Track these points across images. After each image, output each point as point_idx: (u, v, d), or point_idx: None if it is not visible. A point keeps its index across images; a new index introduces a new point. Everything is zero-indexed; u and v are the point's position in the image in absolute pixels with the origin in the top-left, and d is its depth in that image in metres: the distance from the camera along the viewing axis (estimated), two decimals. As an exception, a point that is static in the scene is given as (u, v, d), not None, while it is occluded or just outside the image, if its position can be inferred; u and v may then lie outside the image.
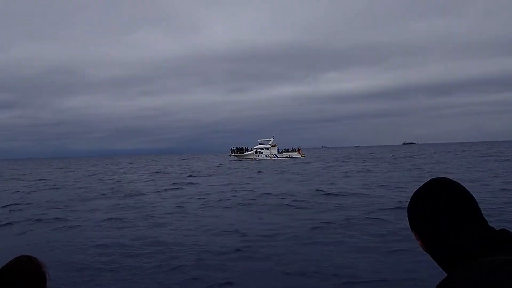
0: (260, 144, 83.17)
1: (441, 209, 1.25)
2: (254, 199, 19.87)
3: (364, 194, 20.02)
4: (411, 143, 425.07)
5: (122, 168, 65.91)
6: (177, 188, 27.94)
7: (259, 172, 43.17)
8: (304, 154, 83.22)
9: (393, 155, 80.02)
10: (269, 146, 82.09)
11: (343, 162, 60.40)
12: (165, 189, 27.26)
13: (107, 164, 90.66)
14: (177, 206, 18.39)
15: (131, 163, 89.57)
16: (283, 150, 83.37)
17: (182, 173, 45.06)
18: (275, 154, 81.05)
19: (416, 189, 1.35)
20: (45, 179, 42.89)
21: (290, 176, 35.02)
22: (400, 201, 15.98)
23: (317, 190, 22.19)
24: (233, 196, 21.74)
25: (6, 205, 20.75)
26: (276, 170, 43.99)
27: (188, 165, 69.39)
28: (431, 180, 1.33)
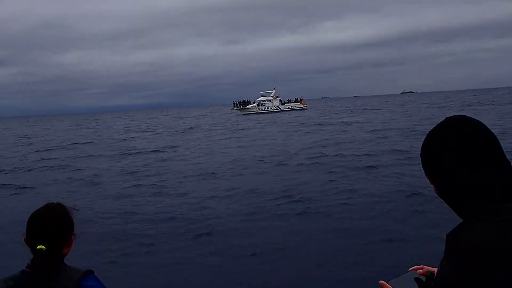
0: (262, 96, 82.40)
1: (452, 145, 1.14)
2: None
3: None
4: (410, 92, 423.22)
5: (133, 126, 65.94)
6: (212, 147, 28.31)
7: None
8: (306, 105, 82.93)
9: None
10: (271, 98, 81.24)
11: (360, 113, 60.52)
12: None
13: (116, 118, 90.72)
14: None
15: (134, 120, 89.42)
16: (285, 102, 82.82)
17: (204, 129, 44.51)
18: (277, 106, 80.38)
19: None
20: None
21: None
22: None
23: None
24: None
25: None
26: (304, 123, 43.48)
27: (198, 120, 69.44)
28: (446, 118, 1.21)
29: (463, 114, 1.21)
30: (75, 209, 1.95)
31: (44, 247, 1.74)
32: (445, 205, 1.18)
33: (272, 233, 8.05)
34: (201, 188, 12.44)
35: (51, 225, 1.79)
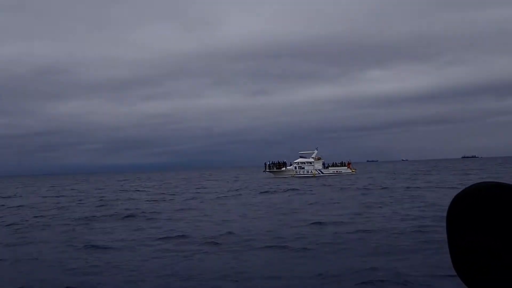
0: (301, 157, 68.96)
1: (472, 216, 0.97)
2: None
3: None
4: (473, 157, 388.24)
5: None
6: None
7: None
8: (355, 170, 67.83)
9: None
10: (312, 160, 67.68)
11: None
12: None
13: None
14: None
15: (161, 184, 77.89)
16: (329, 165, 68.75)
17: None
18: (319, 170, 66.66)
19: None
20: None
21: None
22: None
23: None
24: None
25: None
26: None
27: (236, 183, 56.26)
28: (475, 183, 1.05)
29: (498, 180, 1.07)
30: None
31: None
32: None
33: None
34: None
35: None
